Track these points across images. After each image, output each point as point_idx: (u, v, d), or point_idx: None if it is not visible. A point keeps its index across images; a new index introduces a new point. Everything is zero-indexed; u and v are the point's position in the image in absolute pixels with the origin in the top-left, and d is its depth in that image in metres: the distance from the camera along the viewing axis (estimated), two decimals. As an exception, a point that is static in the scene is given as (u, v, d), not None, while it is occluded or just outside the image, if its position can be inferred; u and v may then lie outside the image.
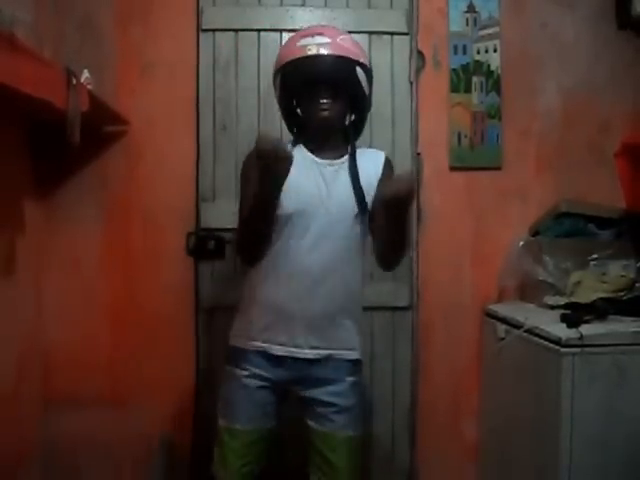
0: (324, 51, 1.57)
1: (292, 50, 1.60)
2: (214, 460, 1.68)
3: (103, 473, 2.19)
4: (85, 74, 1.87)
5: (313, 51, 1.57)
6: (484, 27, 2.32)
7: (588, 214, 2.22)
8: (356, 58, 1.60)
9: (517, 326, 1.95)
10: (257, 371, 1.62)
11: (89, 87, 1.80)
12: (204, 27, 2.22)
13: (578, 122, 2.36)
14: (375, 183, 1.66)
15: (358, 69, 1.61)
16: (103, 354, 2.21)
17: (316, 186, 1.62)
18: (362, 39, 2.26)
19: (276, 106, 1.73)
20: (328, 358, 1.62)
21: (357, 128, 1.75)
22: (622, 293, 2.00)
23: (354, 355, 1.67)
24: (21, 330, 2.01)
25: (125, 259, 2.22)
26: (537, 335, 1.84)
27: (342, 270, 1.62)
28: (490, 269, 2.30)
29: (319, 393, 1.63)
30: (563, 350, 1.71)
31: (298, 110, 1.72)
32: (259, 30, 2.24)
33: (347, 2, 2.28)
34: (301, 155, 1.63)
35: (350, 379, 1.65)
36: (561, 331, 1.75)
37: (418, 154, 2.30)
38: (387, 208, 1.49)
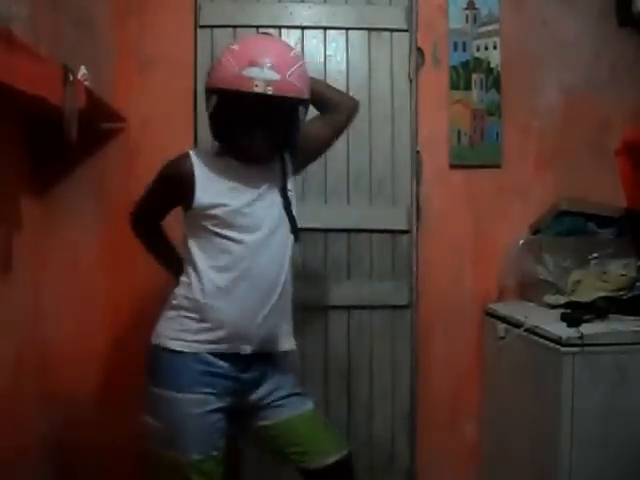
0: (271, 90, 1.46)
1: (236, 77, 1.47)
2: None
3: (100, 471, 2.18)
4: (82, 71, 1.86)
5: (260, 88, 1.45)
6: (484, 24, 2.31)
7: (588, 212, 2.21)
8: (301, 96, 1.53)
9: (517, 325, 1.94)
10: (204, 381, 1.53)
11: (86, 84, 1.79)
12: (202, 23, 2.20)
13: (578, 120, 2.35)
14: None
15: (300, 108, 1.56)
16: (101, 352, 2.20)
17: (253, 190, 1.58)
18: (361, 36, 2.27)
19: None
20: (271, 355, 1.65)
21: (291, 154, 1.70)
22: (622, 292, 2.00)
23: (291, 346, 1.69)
24: (19, 328, 2.00)
25: (123, 256, 2.19)
26: (537, 334, 1.83)
27: (287, 273, 1.61)
28: (490, 268, 2.30)
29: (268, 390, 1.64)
30: (563, 349, 1.70)
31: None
32: (258, 27, 2.22)
33: (346, -2, 2.27)
34: (229, 164, 1.60)
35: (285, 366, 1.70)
36: (561, 330, 1.75)
37: (418, 152, 2.29)
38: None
